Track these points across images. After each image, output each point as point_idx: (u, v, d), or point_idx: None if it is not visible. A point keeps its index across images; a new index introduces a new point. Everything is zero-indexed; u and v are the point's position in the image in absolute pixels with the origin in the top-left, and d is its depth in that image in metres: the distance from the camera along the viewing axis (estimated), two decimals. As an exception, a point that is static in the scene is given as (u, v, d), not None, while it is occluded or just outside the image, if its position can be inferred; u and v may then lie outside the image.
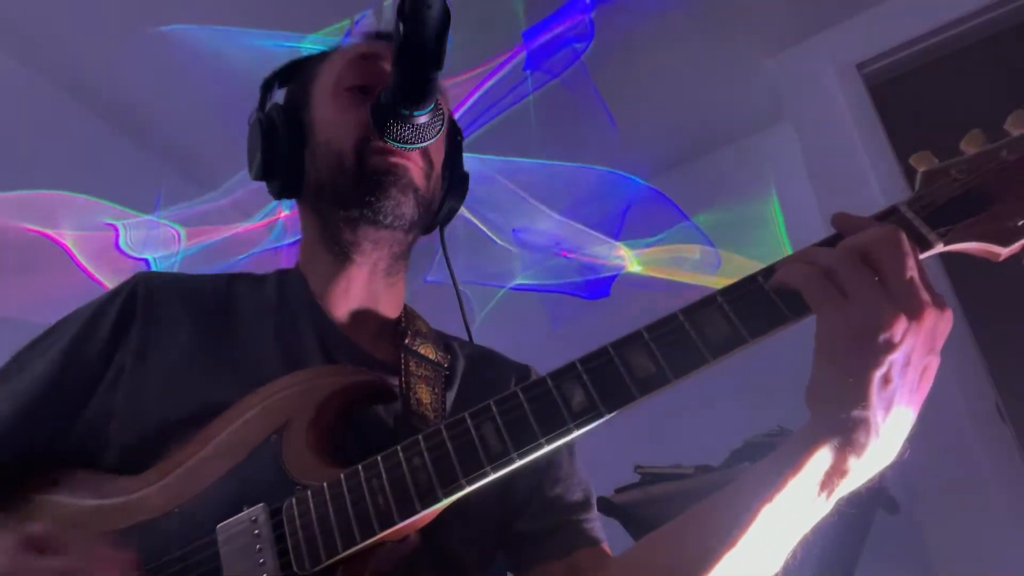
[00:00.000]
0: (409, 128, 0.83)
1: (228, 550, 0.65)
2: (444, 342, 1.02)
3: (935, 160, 0.66)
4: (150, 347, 0.84)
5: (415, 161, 0.91)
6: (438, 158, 0.99)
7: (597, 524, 0.92)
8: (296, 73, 1.03)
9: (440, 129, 0.87)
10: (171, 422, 0.78)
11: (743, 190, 2.93)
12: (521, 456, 0.62)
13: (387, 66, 0.91)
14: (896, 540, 1.97)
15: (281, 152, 0.95)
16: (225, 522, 0.67)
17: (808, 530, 0.66)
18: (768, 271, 0.63)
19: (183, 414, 0.78)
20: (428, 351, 0.95)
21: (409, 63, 0.78)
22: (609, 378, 0.62)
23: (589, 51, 2.49)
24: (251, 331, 0.89)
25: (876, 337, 0.57)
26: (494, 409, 0.64)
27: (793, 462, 0.62)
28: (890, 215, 0.64)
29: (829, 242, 0.64)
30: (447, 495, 0.63)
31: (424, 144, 0.86)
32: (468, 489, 0.63)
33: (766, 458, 0.67)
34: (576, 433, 0.62)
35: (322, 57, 1.02)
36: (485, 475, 0.62)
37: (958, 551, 1.92)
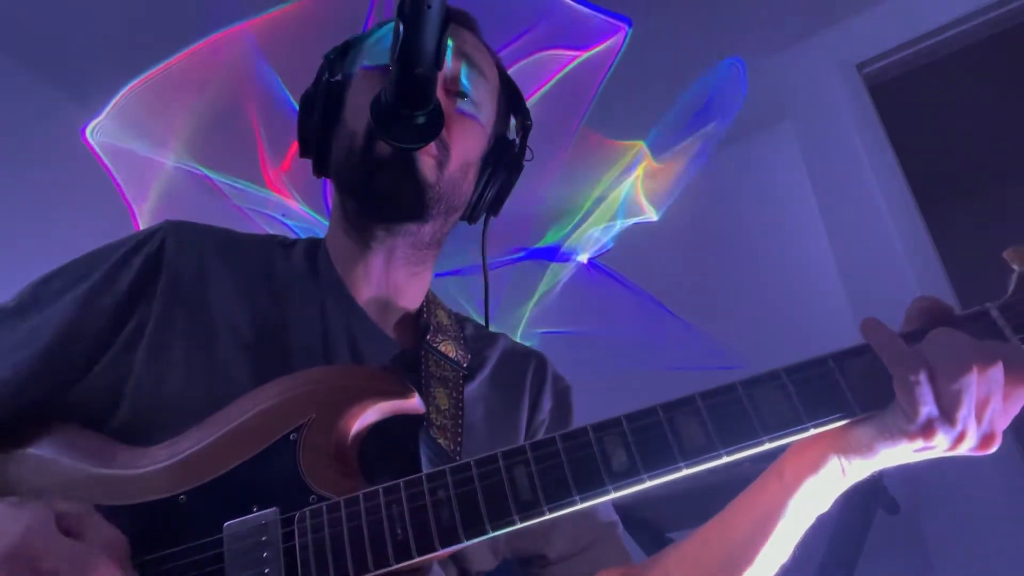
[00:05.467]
0: (409, 129, 0.81)
1: (233, 552, 0.61)
2: (466, 333, 0.99)
3: None
4: (177, 310, 0.81)
5: (426, 151, 0.85)
6: (470, 145, 0.92)
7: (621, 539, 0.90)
8: (350, 50, 0.98)
9: (439, 130, 0.84)
10: (195, 396, 0.74)
11: (743, 190, 2.92)
12: (552, 511, 0.59)
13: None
14: (896, 540, 1.97)
15: (313, 130, 0.93)
16: (233, 521, 0.63)
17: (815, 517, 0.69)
18: (841, 355, 0.61)
19: (209, 390, 0.75)
20: (448, 348, 0.92)
21: (409, 63, 0.77)
22: (654, 442, 0.60)
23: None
24: (286, 306, 0.87)
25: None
26: (528, 453, 0.62)
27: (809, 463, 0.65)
28: (979, 319, 0.60)
29: (915, 335, 0.61)
30: (469, 538, 0.60)
31: (425, 144, 0.84)
32: (492, 535, 0.60)
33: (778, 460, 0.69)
34: (614, 496, 0.60)
35: (371, 34, 0.97)
36: (512, 523, 0.59)
37: (958, 551, 1.92)
